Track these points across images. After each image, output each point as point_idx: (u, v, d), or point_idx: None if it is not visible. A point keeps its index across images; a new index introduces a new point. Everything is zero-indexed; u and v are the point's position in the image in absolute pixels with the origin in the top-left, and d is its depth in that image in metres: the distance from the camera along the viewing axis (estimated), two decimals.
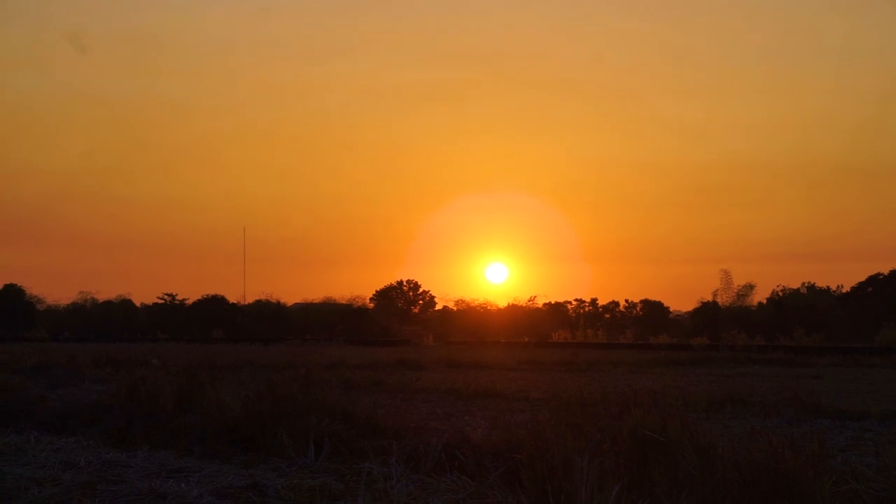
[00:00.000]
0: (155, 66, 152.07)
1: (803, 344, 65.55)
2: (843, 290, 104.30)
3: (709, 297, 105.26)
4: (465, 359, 42.23)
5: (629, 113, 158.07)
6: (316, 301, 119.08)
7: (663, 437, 8.90)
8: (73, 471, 11.04)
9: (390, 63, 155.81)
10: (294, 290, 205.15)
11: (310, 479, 10.58)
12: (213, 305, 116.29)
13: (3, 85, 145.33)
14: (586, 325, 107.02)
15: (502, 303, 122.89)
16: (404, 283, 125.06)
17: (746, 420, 16.01)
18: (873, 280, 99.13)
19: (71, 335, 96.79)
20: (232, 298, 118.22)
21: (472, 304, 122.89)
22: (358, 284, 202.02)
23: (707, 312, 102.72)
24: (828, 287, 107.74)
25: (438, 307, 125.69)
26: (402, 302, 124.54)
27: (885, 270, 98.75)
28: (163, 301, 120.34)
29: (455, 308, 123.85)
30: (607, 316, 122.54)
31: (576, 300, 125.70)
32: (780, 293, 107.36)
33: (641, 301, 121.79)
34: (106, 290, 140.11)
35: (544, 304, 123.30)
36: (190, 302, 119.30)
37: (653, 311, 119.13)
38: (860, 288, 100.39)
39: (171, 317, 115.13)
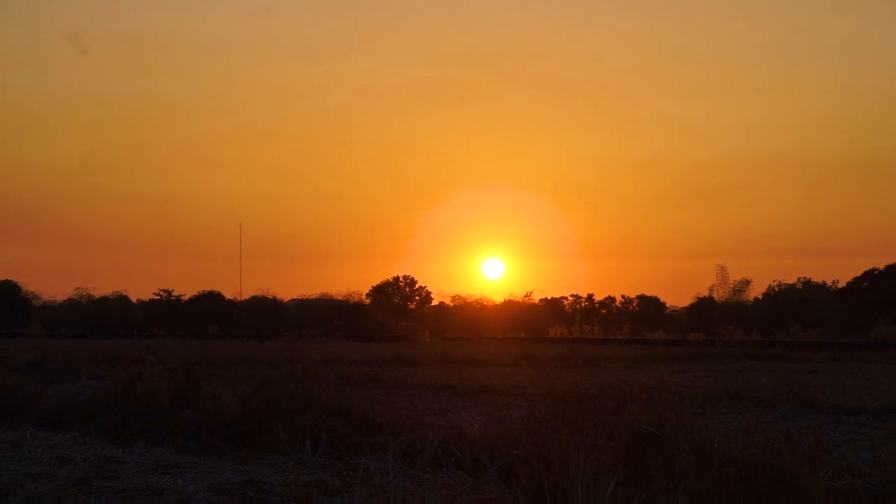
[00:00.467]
0: (153, 64, 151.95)
1: (799, 339, 65.62)
2: (839, 286, 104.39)
3: (705, 293, 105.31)
4: (462, 354, 42.25)
5: (626, 111, 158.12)
6: (312, 297, 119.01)
7: (660, 432, 8.90)
8: (69, 467, 11.03)
9: (388, 62, 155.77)
10: (290, 286, 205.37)
11: (306, 474, 10.59)
12: (210, 301, 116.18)
13: (1, 83, 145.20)
14: (582, 320, 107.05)
15: (498, 298, 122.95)
16: (401, 279, 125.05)
17: (742, 415, 16.02)
18: (869, 275, 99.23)
19: (67, 331, 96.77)
20: (228, 294, 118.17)
21: (469, 300, 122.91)
22: (354, 280, 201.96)
23: (703, 308, 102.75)
24: (823, 282, 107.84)
25: (435, 303, 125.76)
26: (398, 298, 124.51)
27: (881, 265, 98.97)
28: (159, 297, 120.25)
29: (451, 304, 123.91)
30: (603, 311, 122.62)
31: (572, 296, 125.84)
32: (776, 288, 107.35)
33: (637, 296, 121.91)
34: (102, 287, 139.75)
35: (540, 300, 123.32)
36: (186, 298, 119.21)
37: (649, 306, 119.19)
38: (856, 283, 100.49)
39: (167, 313, 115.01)
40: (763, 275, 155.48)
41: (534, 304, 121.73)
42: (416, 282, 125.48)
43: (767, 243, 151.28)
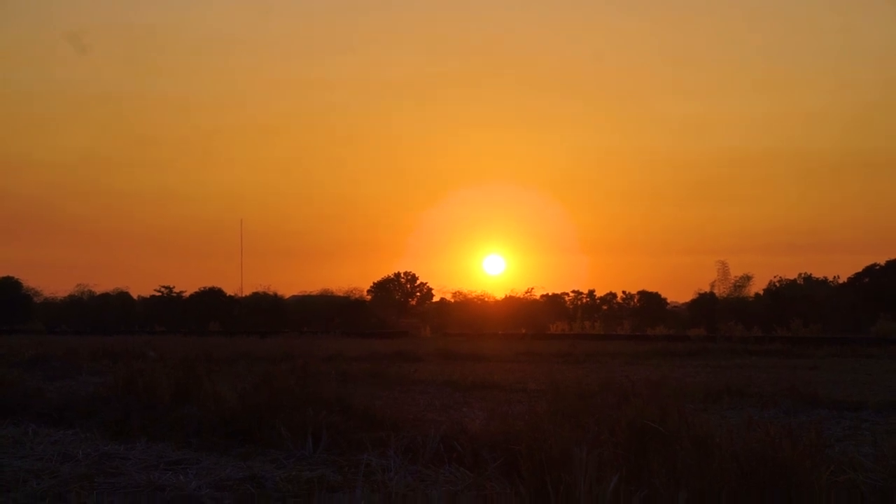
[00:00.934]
0: (154, 61, 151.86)
1: (800, 335, 65.60)
2: (840, 281, 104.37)
3: (706, 289, 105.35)
4: (463, 350, 42.26)
5: (626, 107, 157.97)
6: (313, 293, 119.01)
7: (662, 427, 8.91)
8: (70, 463, 11.04)
9: (389, 58, 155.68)
10: (291, 282, 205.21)
11: (308, 470, 10.59)
12: (210, 298, 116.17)
13: (2, 80, 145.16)
14: (583, 316, 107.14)
15: (499, 294, 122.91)
16: (402, 276, 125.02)
17: (744, 411, 16.02)
18: (870, 271, 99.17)
19: (68, 328, 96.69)
20: (229, 291, 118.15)
21: (470, 296, 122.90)
22: (355, 277, 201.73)
23: (704, 304, 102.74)
24: (825, 278, 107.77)
25: (436, 299, 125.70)
26: (399, 294, 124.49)
27: (882, 261, 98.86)
28: (160, 294, 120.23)
29: (452, 300, 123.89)
30: (604, 307, 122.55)
31: (573, 292, 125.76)
32: (777, 284, 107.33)
33: (639, 292, 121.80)
34: (103, 283, 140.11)
35: (541, 296, 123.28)
36: (187, 294, 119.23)
37: (650, 302, 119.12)
38: (857, 279, 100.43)
39: (168, 309, 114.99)
40: (764, 270, 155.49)
41: (535, 301, 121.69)
42: (417, 278, 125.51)
43: (768, 239, 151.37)
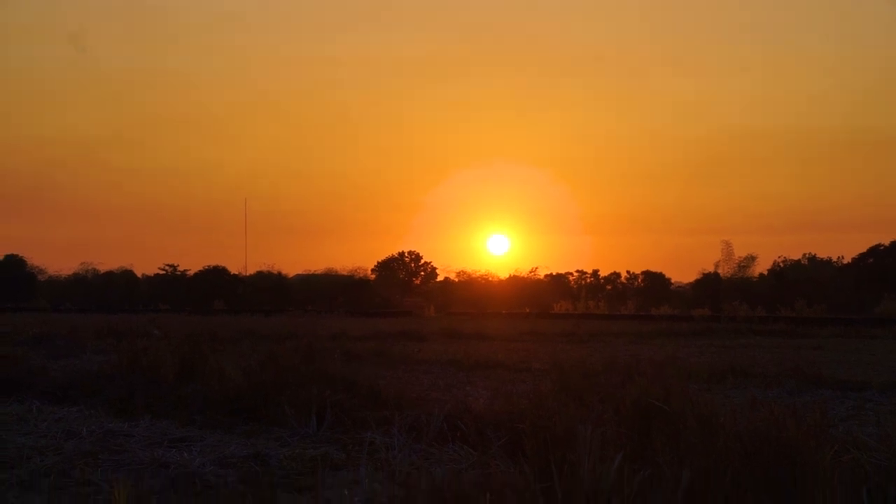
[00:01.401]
0: (158, 37, 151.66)
1: (804, 315, 65.59)
2: (844, 262, 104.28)
3: (710, 269, 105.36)
4: (467, 330, 42.27)
5: (631, 87, 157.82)
6: (317, 272, 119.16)
7: (666, 406, 8.90)
8: (75, 440, 11.06)
9: (394, 38, 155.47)
10: (295, 261, 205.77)
11: (312, 448, 10.60)
12: (215, 276, 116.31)
13: (6, 55, 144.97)
14: (588, 296, 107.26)
15: (504, 274, 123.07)
16: (406, 255, 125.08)
17: (747, 391, 16.01)
18: (874, 251, 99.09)
19: (72, 306, 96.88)
20: (233, 269, 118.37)
21: (474, 276, 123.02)
22: (359, 256, 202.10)
23: (708, 284, 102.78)
24: (829, 258, 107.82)
25: (440, 278, 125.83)
26: (403, 273, 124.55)
27: (886, 241, 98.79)
28: (164, 272, 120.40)
29: (456, 279, 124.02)
30: (609, 287, 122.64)
31: (577, 271, 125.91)
32: (782, 264, 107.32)
33: (643, 272, 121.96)
34: (107, 261, 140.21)
35: (546, 276, 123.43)
36: (191, 273, 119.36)
37: (654, 282, 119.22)
38: (861, 259, 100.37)
39: (172, 288, 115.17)
40: (768, 251, 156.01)
41: (539, 280, 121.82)
42: (421, 257, 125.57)
43: (772, 219, 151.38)
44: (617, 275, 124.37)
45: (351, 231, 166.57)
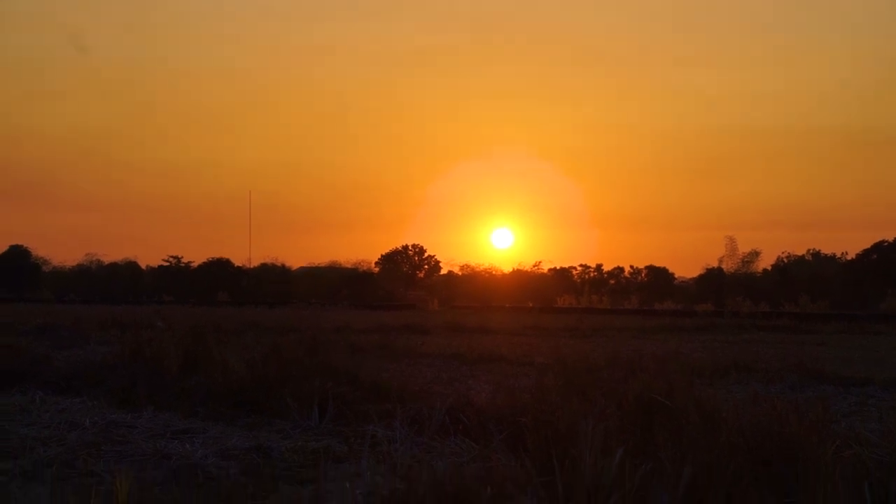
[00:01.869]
0: (161, 31, 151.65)
1: (808, 311, 65.52)
2: (848, 258, 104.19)
3: (714, 264, 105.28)
4: (470, 323, 42.27)
5: (636, 81, 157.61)
6: (321, 265, 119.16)
7: (669, 401, 8.90)
8: (77, 431, 11.08)
9: (398, 27, 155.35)
10: (299, 253, 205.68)
11: (314, 441, 10.62)
12: (219, 268, 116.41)
13: (9, 47, 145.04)
14: (591, 290, 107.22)
15: (507, 268, 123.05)
16: (410, 248, 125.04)
17: (750, 386, 16.00)
18: (878, 247, 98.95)
19: (76, 297, 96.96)
20: (237, 262, 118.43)
21: (478, 270, 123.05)
22: (363, 249, 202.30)
23: (712, 279, 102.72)
24: (833, 254, 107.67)
25: (444, 272, 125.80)
26: (407, 266, 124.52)
27: (890, 238, 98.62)
28: (168, 264, 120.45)
29: (460, 273, 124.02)
30: (612, 282, 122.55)
31: (581, 266, 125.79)
32: (786, 260, 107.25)
33: (646, 267, 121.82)
34: (112, 253, 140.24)
35: (549, 270, 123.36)
36: (195, 265, 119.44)
37: (658, 277, 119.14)
38: (865, 255, 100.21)
39: (176, 280, 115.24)
40: (772, 246, 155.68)
41: (542, 274, 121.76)
42: (425, 251, 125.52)
43: (777, 215, 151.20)
44: (620, 269, 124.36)
45: (355, 224, 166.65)
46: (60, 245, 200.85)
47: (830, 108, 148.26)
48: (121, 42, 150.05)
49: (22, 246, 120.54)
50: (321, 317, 46.73)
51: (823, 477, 7.09)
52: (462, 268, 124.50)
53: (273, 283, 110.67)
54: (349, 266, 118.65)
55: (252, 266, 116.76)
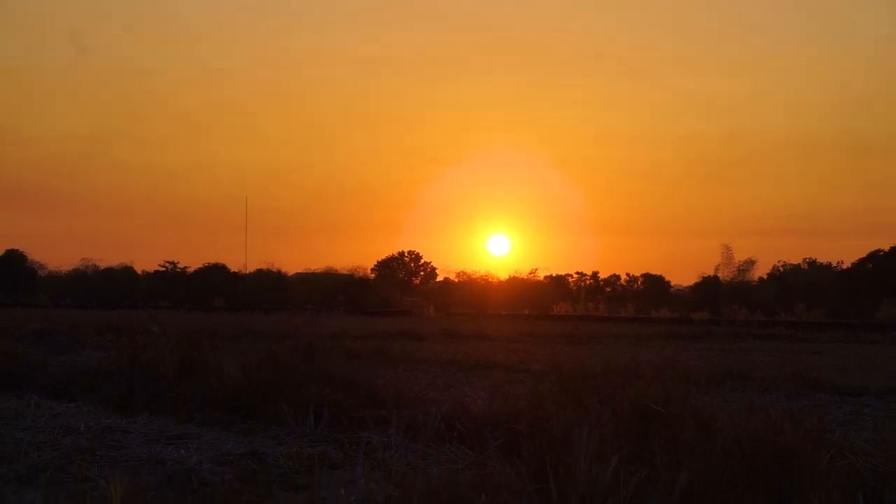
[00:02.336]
0: (159, 35, 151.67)
1: (804, 319, 65.57)
2: (844, 266, 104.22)
3: (710, 272, 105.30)
4: (466, 330, 42.27)
5: (633, 88, 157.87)
6: (317, 271, 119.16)
7: (664, 409, 8.91)
8: (72, 436, 11.06)
9: (396, 32, 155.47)
10: (295, 259, 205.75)
11: (309, 447, 10.61)
12: (215, 274, 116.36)
13: (6, 52, 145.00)
14: (587, 298, 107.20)
15: (503, 275, 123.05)
16: (406, 254, 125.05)
17: (746, 394, 16.02)
18: (874, 256, 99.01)
19: (72, 301, 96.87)
20: (233, 267, 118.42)
21: (474, 276, 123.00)
22: (359, 255, 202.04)
23: (708, 287, 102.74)
24: (829, 263, 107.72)
25: (439, 278, 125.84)
26: (403, 273, 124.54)
27: (886, 247, 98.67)
28: (164, 269, 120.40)
29: (456, 280, 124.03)
30: (608, 289, 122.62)
31: (577, 273, 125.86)
32: (781, 269, 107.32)
33: (643, 275, 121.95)
34: (108, 257, 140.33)
35: (545, 277, 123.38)
36: (191, 270, 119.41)
37: (654, 285, 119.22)
38: (861, 264, 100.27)
39: (172, 285, 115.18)
40: (768, 254, 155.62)
41: (538, 281, 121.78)
42: (421, 257, 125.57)
43: (773, 223, 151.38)
44: (617, 277, 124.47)
45: (351, 230, 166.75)
46: (56, 249, 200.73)
47: (827, 116, 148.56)
48: (117, 46, 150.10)
49: (18, 250, 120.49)
50: (317, 323, 46.69)
51: (818, 486, 7.10)
52: (458, 274, 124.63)
53: (269, 288, 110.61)
54: (345, 272, 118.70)
55: (248, 272, 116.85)
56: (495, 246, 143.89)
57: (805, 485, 7.14)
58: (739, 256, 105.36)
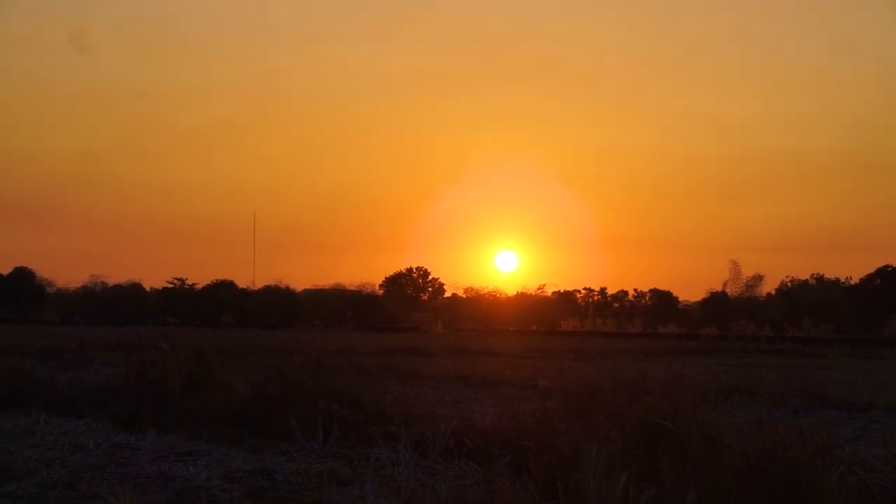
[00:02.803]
0: (165, 51, 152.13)
1: (812, 335, 65.42)
2: (852, 282, 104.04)
3: (718, 288, 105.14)
4: (474, 346, 42.25)
5: (641, 105, 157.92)
6: (325, 287, 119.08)
7: (672, 425, 8.90)
8: (81, 453, 11.07)
9: (403, 50, 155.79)
10: (303, 275, 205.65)
11: (318, 463, 10.60)
12: (223, 290, 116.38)
13: (13, 69, 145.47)
14: (595, 313, 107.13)
15: (511, 291, 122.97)
16: (414, 270, 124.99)
17: (754, 410, 15.97)
18: (882, 272, 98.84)
19: (81, 319, 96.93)
20: (241, 284, 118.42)
21: (482, 292, 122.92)
22: (367, 271, 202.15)
23: (716, 303, 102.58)
24: (836, 278, 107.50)
25: (447, 295, 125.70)
26: (411, 289, 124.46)
27: (894, 263, 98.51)
28: (172, 286, 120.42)
29: (464, 296, 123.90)
30: (616, 305, 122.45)
31: (585, 289, 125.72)
32: (789, 284, 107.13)
33: (650, 290, 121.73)
34: (116, 274, 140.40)
35: (553, 293, 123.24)
36: (199, 287, 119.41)
37: (661, 300, 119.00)
38: (869, 280, 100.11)
39: (180, 302, 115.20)
40: (776, 270, 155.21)
41: (546, 297, 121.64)
42: (429, 273, 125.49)
43: (781, 239, 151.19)
44: (624, 293, 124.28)
45: (359, 246, 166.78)
46: (65, 267, 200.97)
47: (835, 134, 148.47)
48: (125, 62, 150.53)
49: (26, 267, 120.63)
50: (325, 339, 46.73)
51: (827, 502, 7.09)
52: (466, 290, 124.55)
53: (277, 305, 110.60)
54: (353, 288, 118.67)
55: (256, 288, 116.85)
56: (503, 262, 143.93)
57: (814, 501, 7.14)
58: (747, 272, 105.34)
